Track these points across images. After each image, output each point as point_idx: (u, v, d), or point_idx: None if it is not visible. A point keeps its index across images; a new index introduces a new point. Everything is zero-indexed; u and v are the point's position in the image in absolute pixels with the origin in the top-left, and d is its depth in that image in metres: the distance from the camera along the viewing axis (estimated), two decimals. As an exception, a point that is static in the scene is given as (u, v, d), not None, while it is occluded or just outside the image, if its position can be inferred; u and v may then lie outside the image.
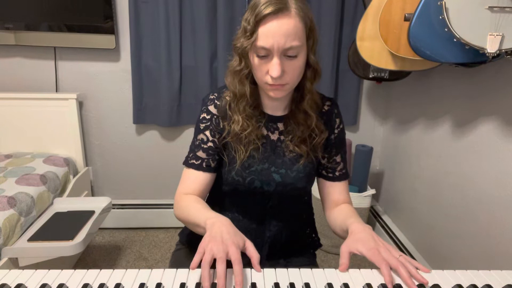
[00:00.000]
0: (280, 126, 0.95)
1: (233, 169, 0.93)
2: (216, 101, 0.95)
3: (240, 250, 0.70)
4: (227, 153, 0.94)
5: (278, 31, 0.78)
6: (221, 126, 0.93)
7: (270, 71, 0.81)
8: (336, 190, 1.00)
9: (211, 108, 0.95)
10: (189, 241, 1.09)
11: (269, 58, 0.81)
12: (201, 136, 0.94)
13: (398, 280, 0.70)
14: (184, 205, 0.90)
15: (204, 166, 0.93)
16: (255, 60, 0.83)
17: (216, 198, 1.03)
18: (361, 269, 0.75)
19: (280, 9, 0.77)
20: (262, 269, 0.72)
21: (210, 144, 0.94)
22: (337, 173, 1.00)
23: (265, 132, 0.94)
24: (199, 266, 0.68)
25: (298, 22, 0.79)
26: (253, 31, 0.79)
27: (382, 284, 0.69)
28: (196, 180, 0.94)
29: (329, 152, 0.99)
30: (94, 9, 1.87)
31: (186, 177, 0.95)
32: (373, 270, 0.74)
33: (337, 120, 0.99)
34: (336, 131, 0.99)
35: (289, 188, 0.95)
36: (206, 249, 0.68)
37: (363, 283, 0.70)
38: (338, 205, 0.99)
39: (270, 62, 0.81)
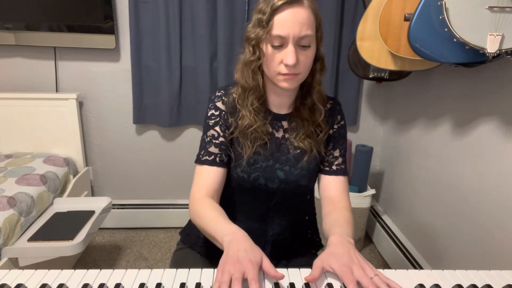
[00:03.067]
0: (285, 124, 0.96)
1: (239, 165, 0.93)
2: (223, 98, 0.95)
3: (257, 267, 0.68)
4: (233, 149, 0.94)
5: (293, 19, 0.80)
6: (229, 122, 0.94)
7: (285, 60, 0.82)
8: (332, 185, 0.98)
9: (219, 104, 0.95)
10: (191, 240, 1.09)
11: (283, 47, 0.82)
12: (211, 132, 0.94)
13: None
14: (199, 211, 0.87)
15: (218, 161, 0.93)
16: (268, 50, 0.84)
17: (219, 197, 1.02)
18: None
19: (295, 0, 0.80)
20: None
21: (221, 139, 0.94)
22: (334, 167, 0.98)
23: (270, 129, 0.95)
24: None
25: (310, 14, 0.82)
26: (269, 20, 0.81)
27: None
28: (210, 176, 0.92)
29: (327, 146, 0.99)
30: (94, 9, 1.87)
31: (201, 175, 0.93)
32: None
33: (338, 117, 1.00)
34: (335, 126, 0.99)
35: (292, 185, 0.95)
36: (223, 271, 0.66)
37: (363, 283, 0.70)
38: (334, 204, 0.96)
39: (284, 51, 0.82)
